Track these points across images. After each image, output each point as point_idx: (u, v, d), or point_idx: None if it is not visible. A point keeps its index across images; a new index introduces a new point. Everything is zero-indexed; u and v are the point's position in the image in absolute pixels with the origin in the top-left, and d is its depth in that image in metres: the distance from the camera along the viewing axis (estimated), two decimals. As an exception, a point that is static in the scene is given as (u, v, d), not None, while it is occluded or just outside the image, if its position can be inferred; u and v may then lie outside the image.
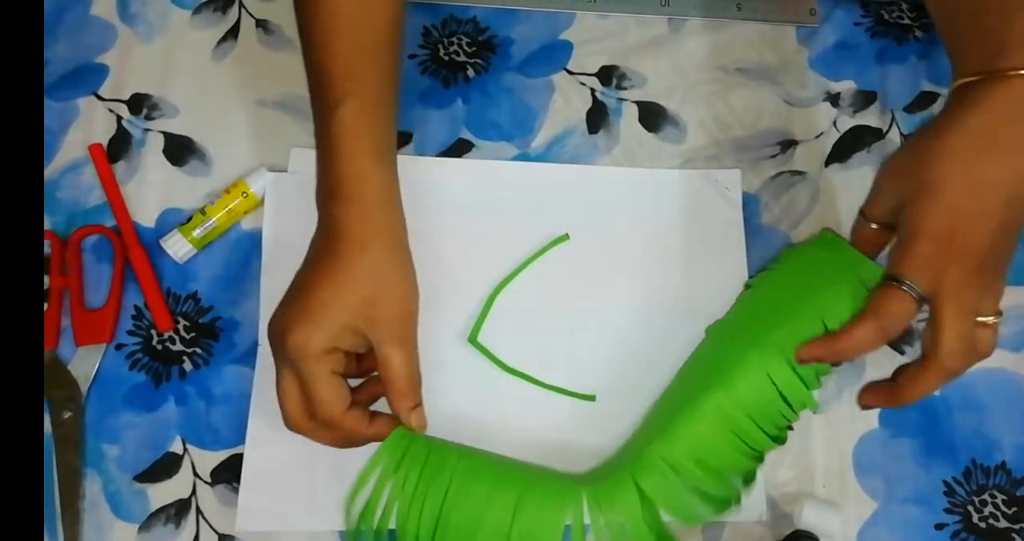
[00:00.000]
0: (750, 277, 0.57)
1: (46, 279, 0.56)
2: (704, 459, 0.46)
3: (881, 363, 0.56)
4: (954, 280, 0.42)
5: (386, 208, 0.50)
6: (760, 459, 0.49)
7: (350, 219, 0.48)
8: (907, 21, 0.64)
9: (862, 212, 0.49)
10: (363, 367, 0.50)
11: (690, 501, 0.46)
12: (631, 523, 0.46)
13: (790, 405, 0.47)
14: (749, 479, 0.49)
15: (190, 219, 0.56)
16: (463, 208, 0.58)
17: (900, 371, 0.47)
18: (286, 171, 0.58)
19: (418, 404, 0.49)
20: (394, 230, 0.50)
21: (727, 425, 0.46)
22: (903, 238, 0.44)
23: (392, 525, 0.46)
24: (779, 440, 0.48)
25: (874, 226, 0.49)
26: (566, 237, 0.57)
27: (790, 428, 0.49)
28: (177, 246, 0.56)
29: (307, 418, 0.48)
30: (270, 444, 0.53)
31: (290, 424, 0.48)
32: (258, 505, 0.52)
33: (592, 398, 0.54)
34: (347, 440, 0.49)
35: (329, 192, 0.49)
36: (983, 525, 0.53)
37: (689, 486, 0.46)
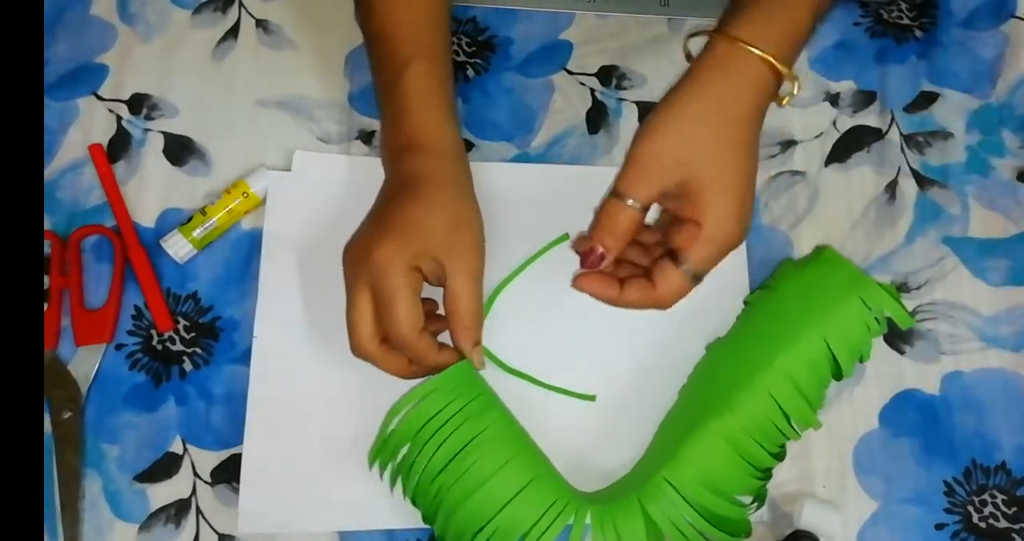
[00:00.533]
0: (750, 292, 0.56)
1: (46, 279, 0.56)
2: (713, 483, 0.47)
3: (880, 363, 0.56)
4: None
5: (459, 158, 0.52)
6: (767, 477, 0.49)
7: (429, 166, 0.51)
8: (906, 21, 0.64)
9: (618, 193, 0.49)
10: (424, 308, 0.50)
11: (699, 529, 0.46)
12: None
13: (792, 424, 0.48)
14: (760, 497, 0.50)
15: (190, 219, 0.56)
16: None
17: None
18: (288, 170, 0.58)
19: (480, 342, 0.50)
20: (468, 178, 0.52)
21: (733, 448, 0.47)
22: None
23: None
24: (779, 457, 0.49)
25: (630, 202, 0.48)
26: (566, 237, 0.57)
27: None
28: (177, 246, 0.56)
29: (378, 341, 0.49)
30: (268, 445, 0.53)
31: (359, 347, 0.49)
32: (259, 507, 0.52)
33: (592, 398, 0.54)
34: (413, 366, 0.50)
35: (402, 148, 0.51)
36: (983, 525, 0.53)
37: (699, 509, 0.47)
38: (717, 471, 0.47)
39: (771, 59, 0.47)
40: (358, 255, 0.50)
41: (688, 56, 0.50)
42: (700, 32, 0.49)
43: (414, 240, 0.49)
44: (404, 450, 0.48)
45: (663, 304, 0.49)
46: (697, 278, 0.49)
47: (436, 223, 0.49)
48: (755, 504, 0.50)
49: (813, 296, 0.50)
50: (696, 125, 0.47)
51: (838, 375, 0.49)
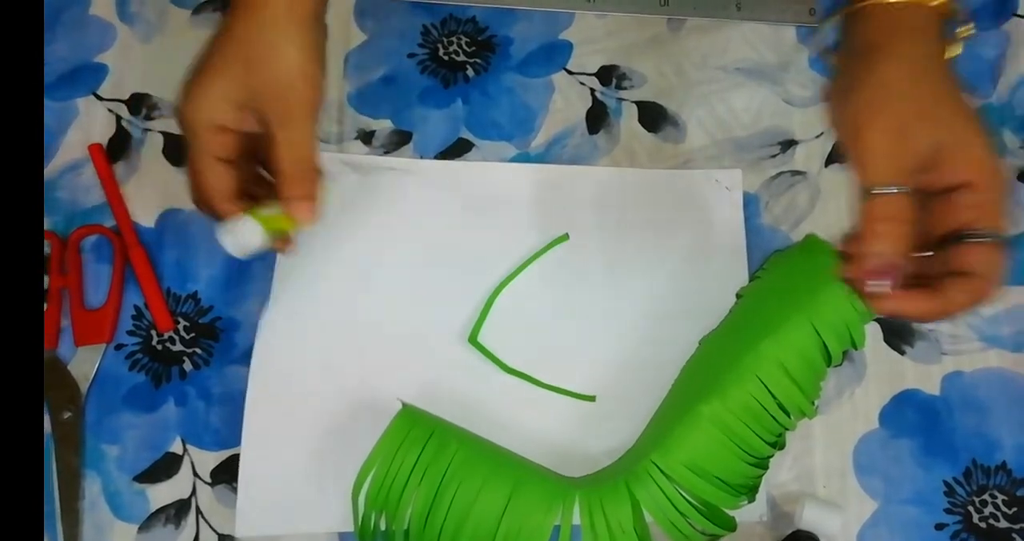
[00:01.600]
0: (744, 285, 0.56)
1: (45, 279, 0.56)
2: (702, 466, 0.46)
3: (880, 363, 0.56)
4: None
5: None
6: (764, 466, 0.49)
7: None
8: (907, 21, 0.64)
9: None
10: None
11: (686, 515, 0.46)
12: (621, 530, 0.46)
13: (786, 412, 0.47)
14: (753, 488, 0.49)
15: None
16: (463, 209, 0.58)
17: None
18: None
19: (309, 196, 0.46)
20: (305, 2, 0.45)
21: (724, 432, 0.46)
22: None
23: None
24: (778, 446, 0.49)
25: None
26: (566, 237, 0.57)
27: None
28: (246, 231, 0.47)
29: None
30: (267, 447, 0.53)
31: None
32: (256, 509, 0.52)
33: (592, 399, 0.54)
34: None
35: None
36: (983, 525, 0.53)
37: (687, 494, 0.46)
38: (706, 455, 0.46)
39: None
40: (180, 99, 0.45)
41: (824, 52, 0.48)
42: (841, 11, 0.46)
43: (212, 95, 0.44)
44: (383, 522, 0.47)
45: (991, 288, 0.42)
46: (1006, 241, 0.42)
47: (235, 67, 0.44)
48: (746, 497, 0.49)
49: (797, 281, 0.49)
50: (910, 88, 0.43)
51: (829, 361, 0.48)
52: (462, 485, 0.46)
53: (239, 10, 0.45)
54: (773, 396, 0.47)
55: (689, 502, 0.46)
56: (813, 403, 0.48)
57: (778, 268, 0.52)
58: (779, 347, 0.47)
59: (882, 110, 0.43)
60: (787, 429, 0.48)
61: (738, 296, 0.55)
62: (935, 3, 0.45)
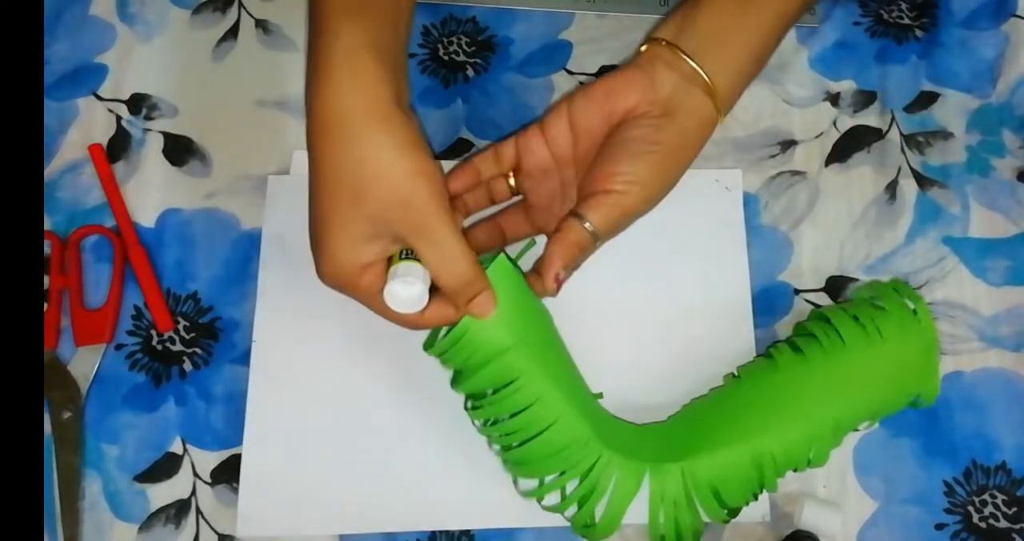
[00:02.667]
0: (819, 307, 0.55)
1: (46, 279, 0.56)
2: (718, 488, 0.48)
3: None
4: None
5: (362, 69, 0.41)
6: (756, 499, 0.51)
7: (318, 100, 0.41)
8: (907, 21, 0.64)
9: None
10: None
11: (679, 521, 0.48)
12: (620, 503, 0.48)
13: (810, 462, 0.50)
14: (735, 514, 0.51)
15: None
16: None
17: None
18: (287, 172, 0.58)
19: (478, 293, 0.45)
20: (378, 96, 0.41)
21: (756, 471, 0.48)
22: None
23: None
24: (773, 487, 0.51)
25: None
26: (533, 243, 0.57)
27: None
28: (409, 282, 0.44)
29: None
30: (268, 447, 0.53)
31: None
32: (258, 510, 0.52)
33: (599, 397, 0.54)
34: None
35: (305, 82, 0.43)
36: (983, 525, 0.53)
37: (697, 507, 0.49)
38: (729, 482, 0.48)
39: (722, 112, 0.49)
40: (316, 265, 0.45)
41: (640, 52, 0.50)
42: (672, 44, 0.49)
43: (336, 246, 0.42)
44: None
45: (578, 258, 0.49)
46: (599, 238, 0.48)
47: (341, 205, 0.41)
48: (731, 517, 0.51)
49: (899, 374, 0.50)
50: (668, 177, 0.49)
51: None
52: (520, 390, 0.47)
53: (317, 139, 0.42)
54: (809, 455, 0.49)
55: (692, 511, 0.48)
56: None
57: (892, 342, 0.50)
58: (844, 417, 0.49)
59: (632, 162, 0.48)
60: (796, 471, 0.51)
61: (825, 318, 0.52)
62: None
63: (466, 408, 0.51)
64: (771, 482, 0.49)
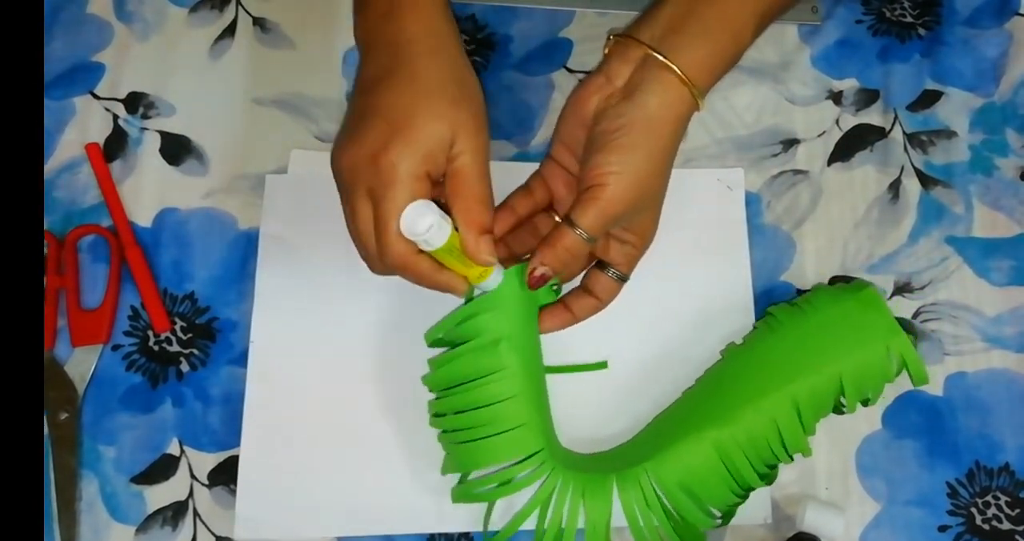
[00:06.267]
0: (774, 303, 0.55)
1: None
2: (691, 487, 0.48)
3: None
4: None
5: (445, 13, 0.48)
6: (745, 497, 0.50)
7: (414, 27, 0.46)
8: (909, 19, 0.64)
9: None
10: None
11: (660, 526, 0.48)
12: (592, 525, 0.47)
13: (787, 449, 0.49)
14: (729, 515, 0.50)
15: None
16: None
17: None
18: (285, 171, 0.58)
19: (489, 230, 0.46)
20: (457, 36, 0.48)
21: (722, 460, 0.48)
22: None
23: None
24: (768, 479, 0.50)
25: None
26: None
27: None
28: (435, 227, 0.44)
29: (381, 260, 0.45)
30: (266, 449, 0.52)
31: (389, 254, 0.45)
32: (256, 512, 0.51)
33: (604, 365, 0.54)
34: (419, 283, 0.47)
35: (380, 14, 0.47)
36: (986, 527, 0.53)
37: (669, 509, 0.48)
38: (699, 478, 0.48)
39: (695, 92, 0.47)
40: (357, 162, 0.44)
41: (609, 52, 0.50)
42: (627, 35, 0.48)
43: (426, 139, 0.43)
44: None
45: (600, 310, 0.52)
46: (624, 278, 0.51)
47: (441, 106, 0.44)
48: (721, 520, 0.50)
49: (842, 333, 0.50)
50: (644, 161, 0.47)
51: (839, 410, 0.51)
52: (493, 386, 0.47)
53: (416, 59, 0.46)
54: (781, 438, 0.48)
55: (667, 514, 0.48)
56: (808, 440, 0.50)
57: (824, 310, 0.51)
58: (803, 394, 0.48)
59: (620, 169, 0.47)
60: (781, 462, 0.50)
61: (769, 313, 0.53)
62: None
63: (431, 403, 0.50)
64: (748, 473, 0.48)
